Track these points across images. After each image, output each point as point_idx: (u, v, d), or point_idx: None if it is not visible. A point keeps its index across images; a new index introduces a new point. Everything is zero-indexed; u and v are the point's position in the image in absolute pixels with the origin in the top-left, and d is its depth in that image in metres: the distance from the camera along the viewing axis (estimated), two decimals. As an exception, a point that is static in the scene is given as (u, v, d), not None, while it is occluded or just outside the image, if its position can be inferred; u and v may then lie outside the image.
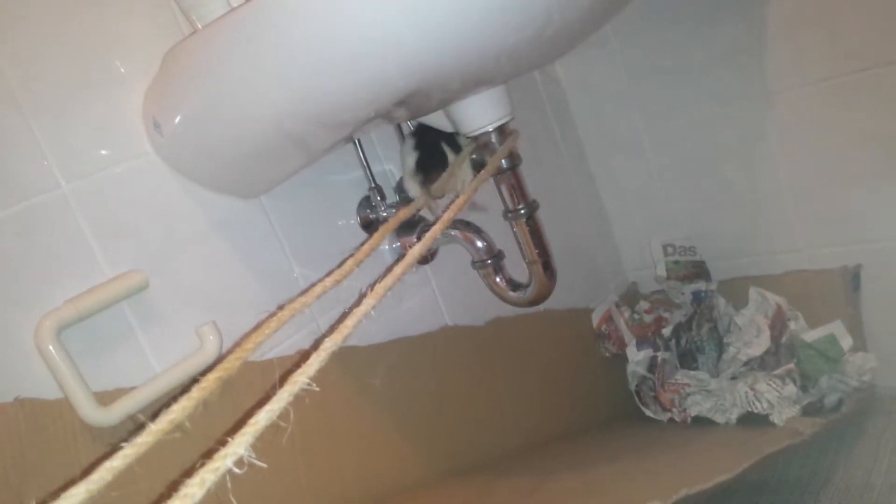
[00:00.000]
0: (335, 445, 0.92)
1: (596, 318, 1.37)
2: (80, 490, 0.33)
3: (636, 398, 1.30)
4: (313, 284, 0.52)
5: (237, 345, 0.45)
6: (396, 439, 0.99)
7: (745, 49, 1.19)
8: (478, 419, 1.11)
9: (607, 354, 1.36)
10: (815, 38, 1.13)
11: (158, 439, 0.37)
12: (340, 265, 0.55)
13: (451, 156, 0.94)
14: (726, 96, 1.24)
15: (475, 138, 0.87)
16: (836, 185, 1.20)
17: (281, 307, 0.49)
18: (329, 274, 0.54)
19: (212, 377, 0.40)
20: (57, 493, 0.32)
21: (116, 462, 0.34)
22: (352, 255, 0.57)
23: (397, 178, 1.05)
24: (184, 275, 0.81)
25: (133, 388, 0.73)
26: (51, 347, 0.67)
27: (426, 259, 1.06)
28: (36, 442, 0.67)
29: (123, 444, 0.36)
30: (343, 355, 0.93)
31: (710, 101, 1.26)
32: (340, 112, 0.68)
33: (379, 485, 0.96)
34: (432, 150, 0.95)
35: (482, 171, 0.80)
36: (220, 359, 0.43)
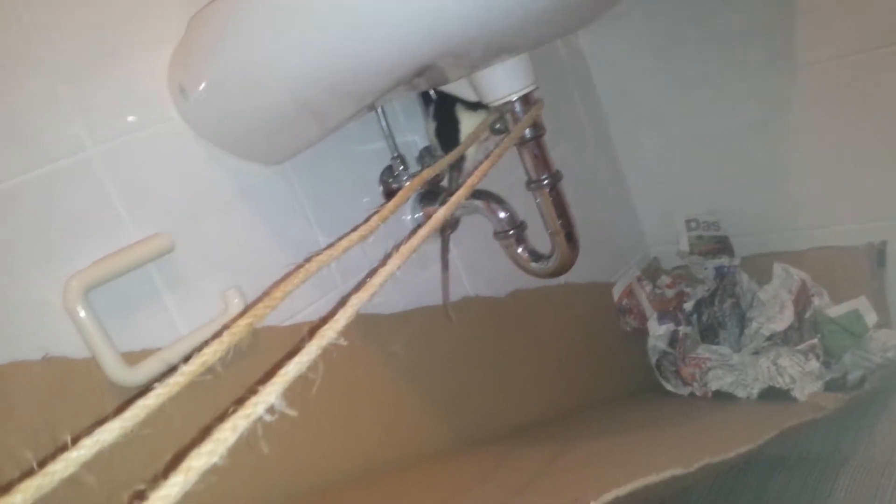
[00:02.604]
0: (358, 410, 0.92)
1: (617, 293, 1.37)
2: (115, 426, 0.33)
3: (656, 372, 1.29)
4: (339, 238, 0.52)
5: (265, 293, 0.45)
6: (418, 406, 1.00)
7: (773, 21, 1.18)
8: (498, 390, 1.12)
9: (628, 329, 1.35)
10: (845, 10, 1.11)
11: (190, 381, 0.38)
12: (366, 221, 0.55)
13: (464, 115, 0.93)
14: (752, 69, 1.23)
15: (498, 107, 0.87)
16: (862, 160, 1.18)
17: (308, 259, 0.49)
18: (355, 229, 0.54)
19: (242, 322, 0.41)
20: (91, 429, 0.33)
21: (150, 401, 0.35)
22: (377, 212, 0.57)
23: (420, 148, 1.05)
24: (209, 239, 0.81)
25: (159, 349, 0.74)
26: (79, 307, 0.68)
27: (448, 228, 1.06)
28: (63, 400, 0.68)
29: (156, 385, 0.36)
30: (365, 322, 0.94)
31: (735, 75, 1.25)
32: (362, 80, 0.68)
33: (400, 450, 0.97)
34: (448, 116, 0.95)
35: (506, 139, 0.80)
36: (249, 306, 0.43)
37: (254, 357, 0.80)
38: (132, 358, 0.72)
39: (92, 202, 0.73)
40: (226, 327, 0.40)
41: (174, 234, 0.77)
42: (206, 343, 0.39)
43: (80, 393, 0.69)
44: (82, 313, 0.68)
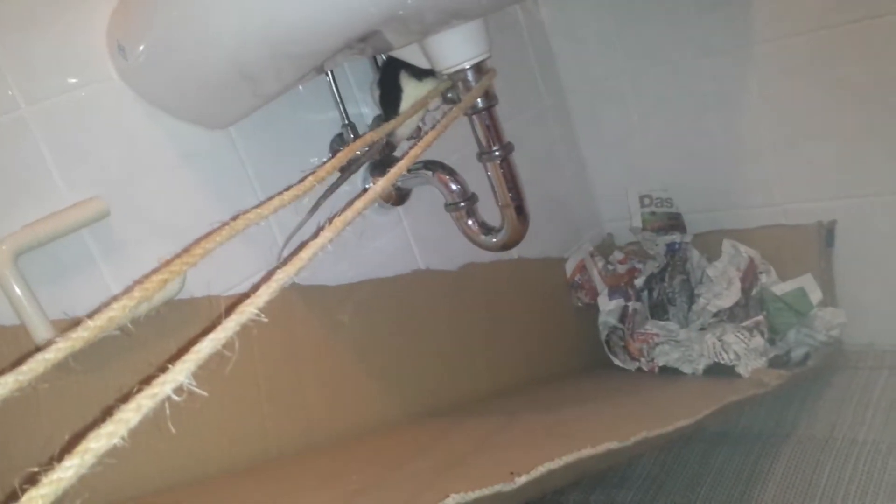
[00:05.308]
0: (301, 384, 0.91)
1: (570, 268, 1.37)
2: (8, 379, 0.32)
3: (606, 347, 1.30)
4: (270, 197, 0.51)
5: (185, 250, 0.44)
6: (364, 379, 0.99)
7: (732, -1, 1.17)
8: (448, 363, 1.12)
9: (580, 304, 1.36)
10: (802, -13, 1.11)
11: (96, 336, 0.36)
12: (301, 181, 0.54)
13: (409, 83, 0.92)
14: (710, 46, 1.22)
15: (451, 76, 0.86)
16: (816, 139, 1.19)
17: (235, 217, 0.48)
18: (288, 188, 0.52)
19: (156, 278, 0.40)
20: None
21: (49, 355, 0.34)
22: (312, 172, 0.56)
23: (372, 119, 1.03)
24: (147, 204, 0.79)
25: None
26: (7, 272, 0.66)
27: (399, 200, 1.05)
28: (-10, 367, 0.66)
29: (58, 338, 0.35)
30: (310, 293, 0.93)
31: (694, 51, 1.25)
32: (305, 42, 0.66)
33: (345, 424, 0.96)
34: (392, 84, 0.93)
35: (455, 108, 0.79)
36: (166, 262, 0.42)
37: (193, 325, 0.79)
38: (64, 326, 0.70)
39: (24, 164, 0.71)
40: (138, 283, 0.39)
41: (111, 199, 0.74)
42: (115, 298, 0.38)
43: (7, 361, 0.67)
44: (11, 279, 0.66)
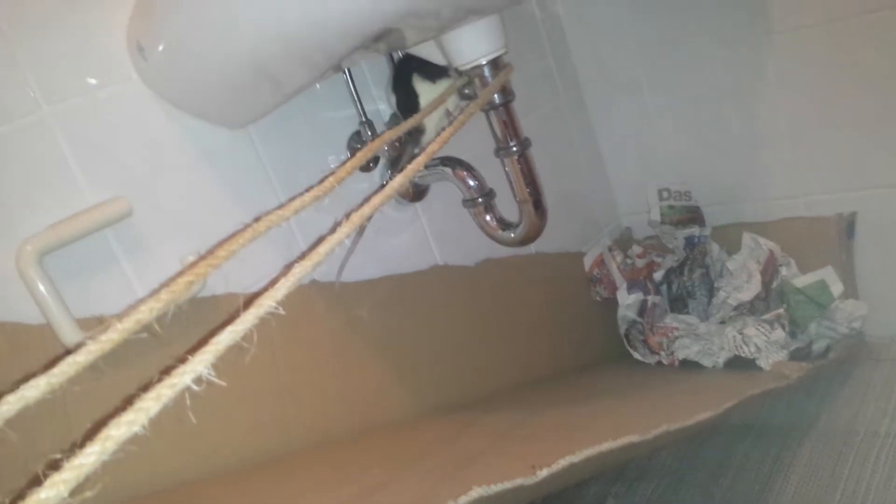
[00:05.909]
0: (321, 378, 0.92)
1: (588, 262, 1.37)
2: (41, 382, 0.33)
3: (625, 341, 1.30)
4: (292, 199, 0.52)
5: (210, 252, 0.44)
6: (384, 374, 1.00)
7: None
8: (467, 358, 1.12)
9: (598, 298, 1.36)
10: (821, -22, 1.10)
11: (125, 338, 0.37)
12: (321, 182, 0.54)
13: (422, 87, 0.92)
14: (727, 37, 1.22)
15: (467, 72, 0.86)
16: (835, 130, 1.18)
17: (257, 219, 0.48)
18: (309, 189, 0.53)
19: (182, 280, 0.40)
20: (18, 384, 0.32)
21: (80, 357, 0.35)
22: (332, 173, 0.56)
23: (389, 116, 1.03)
24: (169, 203, 0.80)
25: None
26: (32, 272, 0.67)
27: (417, 196, 1.05)
28: (16, 366, 0.67)
29: (88, 340, 0.36)
30: (330, 290, 0.93)
31: (710, 42, 1.24)
32: (323, 41, 0.66)
33: (365, 418, 0.97)
34: (406, 89, 0.93)
35: (472, 104, 0.79)
36: (191, 264, 0.42)
37: (215, 322, 0.80)
38: (89, 325, 0.71)
39: (47, 164, 0.72)
40: (164, 285, 0.39)
41: (133, 198, 0.75)
42: (142, 301, 0.39)
43: (34, 359, 0.68)
44: (36, 279, 0.67)
